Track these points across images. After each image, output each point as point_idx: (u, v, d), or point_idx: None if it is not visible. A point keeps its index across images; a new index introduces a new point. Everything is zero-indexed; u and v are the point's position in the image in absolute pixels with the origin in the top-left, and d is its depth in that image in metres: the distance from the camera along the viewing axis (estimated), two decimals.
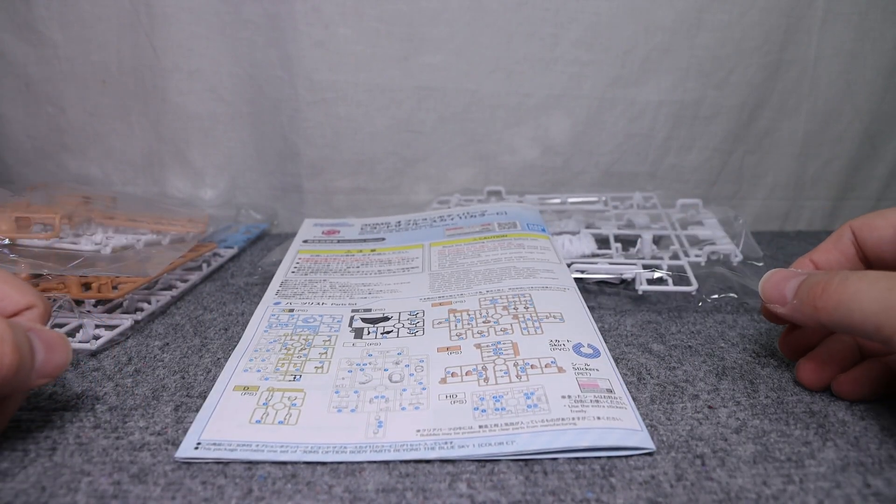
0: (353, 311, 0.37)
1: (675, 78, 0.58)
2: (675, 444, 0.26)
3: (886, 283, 0.25)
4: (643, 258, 0.45)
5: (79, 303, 0.38)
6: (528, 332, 0.33)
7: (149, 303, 0.41)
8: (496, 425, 0.26)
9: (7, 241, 0.39)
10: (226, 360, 0.33)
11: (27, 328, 0.25)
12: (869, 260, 0.31)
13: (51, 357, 0.25)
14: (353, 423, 0.27)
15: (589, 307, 0.36)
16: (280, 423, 0.27)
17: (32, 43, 0.56)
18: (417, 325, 0.35)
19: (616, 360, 0.32)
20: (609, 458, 0.25)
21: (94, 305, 0.39)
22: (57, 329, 0.35)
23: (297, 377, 0.31)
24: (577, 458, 0.25)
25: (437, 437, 0.26)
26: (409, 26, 0.55)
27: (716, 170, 0.62)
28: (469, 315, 0.35)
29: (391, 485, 0.24)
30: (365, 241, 0.48)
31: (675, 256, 0.44)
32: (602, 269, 0.43)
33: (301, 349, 0.33)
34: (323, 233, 0.50)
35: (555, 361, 0.30)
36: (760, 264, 0.44)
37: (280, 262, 0.45)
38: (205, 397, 0.30)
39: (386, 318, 0.36)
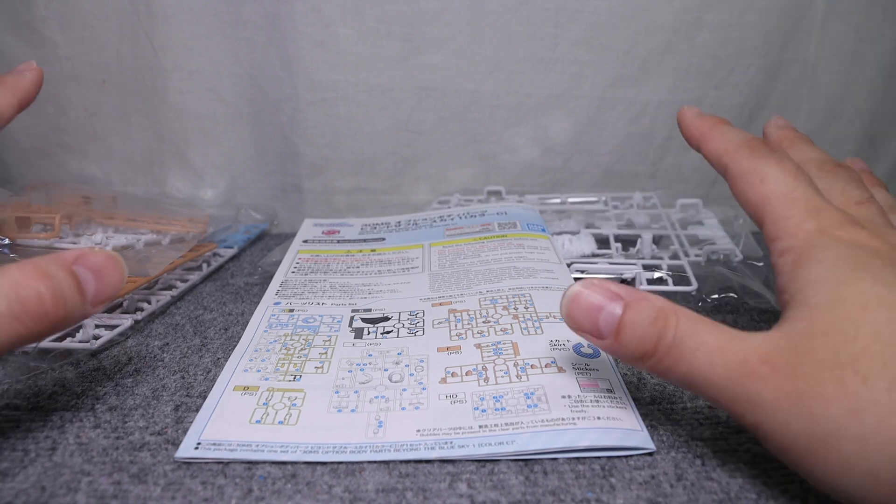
0: (353, 311, 0.37)
1: (675, 78, 0.58)
2: (675, 444, 0.26)
3: (735, 348, 0.21)
4: (643, 258, 0.45)
5: None
6: (528, 331, 0.33)
7: (149, 303, 0.41)
8: (496, 425, 0.26)
9: (7, 241, 0.39)
10: (226, 360, 0.33)
11: (72, 260, 0.24)
12: None
13: (103, 285, 0.24)
14: (353, 423, 0.27)
15: None
16: (280, 423, 0.27)
17: (32, 43, 0.56)
18: (417, 325, 0.35)
19: (616, 360, 0.32)
20: (609, 458, 0.25)
21: None
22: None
23: (297, 377, 0.31)
24: (577, 458, 0.25)
25: (437, 436, 0.26)
26: (409, 26, 0.55)
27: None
28: (469, 315, 0.35)
29: (391, 485, 0.24)
30: (365, 241, 0.48)
31: (675, 256, 0.44)
32: (602, 269, 0.43)
33: (301, 349, 0.33)
34: (323, 233, 0.50)
35: (555, 361, 0.30)
36: (760, 264, 0.44)
37: (280, 262, 0.45)
38: (205, 397, 0.30)
39: (386, 318, 0.36)
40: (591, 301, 0.24)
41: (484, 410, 0.27)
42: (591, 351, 0.31)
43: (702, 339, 0.22)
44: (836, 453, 0.19)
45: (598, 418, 0.26)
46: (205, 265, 0.48)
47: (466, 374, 0.30)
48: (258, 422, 0.27)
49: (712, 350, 0.21)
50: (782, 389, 0.20)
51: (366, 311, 0.37)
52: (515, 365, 0.30)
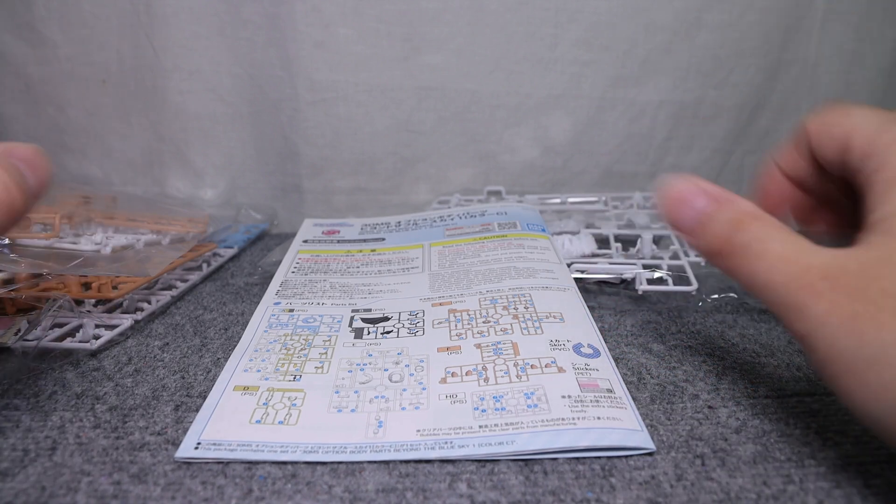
0: (353, 311, 0.37)
1: (675, 78, 0.58)
2: (675, 444, 0.26)
3: (800, 260, 0.22)
4: (643, 258, 0.45)
5: (79, 303, 0.38)
6: (528, 332, 0.33)
7: (149, 303, 0.41)
8: (496, 425, 0.26)
9: (7, 241, 0.39)
10: (226, 360, 0.33)
11: (6, 152, 0.24)
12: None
13: (37, 177, 0.25)
14: (353, 423, 0.27)
15: (589, 307, 0.36)
16: (280, 423, 0.27)
17: (32, 43, 0.56)
18: (417, 325, 0.35)
19: (616, 360, 0.32)
20: (609, 458, 0.25)
21: (94, 305, 0.39)
22: (57, 329, 0.36)
23: (297, 377, 0.31)
24: (577, 458, 0.25)
25: (437, 437, 0.26)
26: (409, 26, 0.55)
27: (716, 170, 0.62)
28: (469, 315, 0.35)
29: (391, 485, 0.24)
30: (365, 241, 0.48)
31: (675, 256, 0.44)
32: (602, 269, 0.43)
33: (301, 349, 0.33)
34: (323, 233, 0.50)
35: (555, 361, 0.30)
36: None
37: (280, 262, 0.45)
38: (205, 397, 0.30)
39: (386, 318, 0.36)
40: (682, 193, 0.26)
41: (484, 410, 0.27)
42: (590, 351, 0.31)
43: (770, 245, 0.22)
44: (878, 377, 0.19)
45: (598, 418, 0.26)
46: (205, 265, 0.48)
47: (466, 374, 0.30)
48: (258, 422, 0.27)
49: (777, 258, 0.22)
50: (837, 306, 0.20)
51: (366, 311, 0.37)
52: (515, 365, 0.30)
